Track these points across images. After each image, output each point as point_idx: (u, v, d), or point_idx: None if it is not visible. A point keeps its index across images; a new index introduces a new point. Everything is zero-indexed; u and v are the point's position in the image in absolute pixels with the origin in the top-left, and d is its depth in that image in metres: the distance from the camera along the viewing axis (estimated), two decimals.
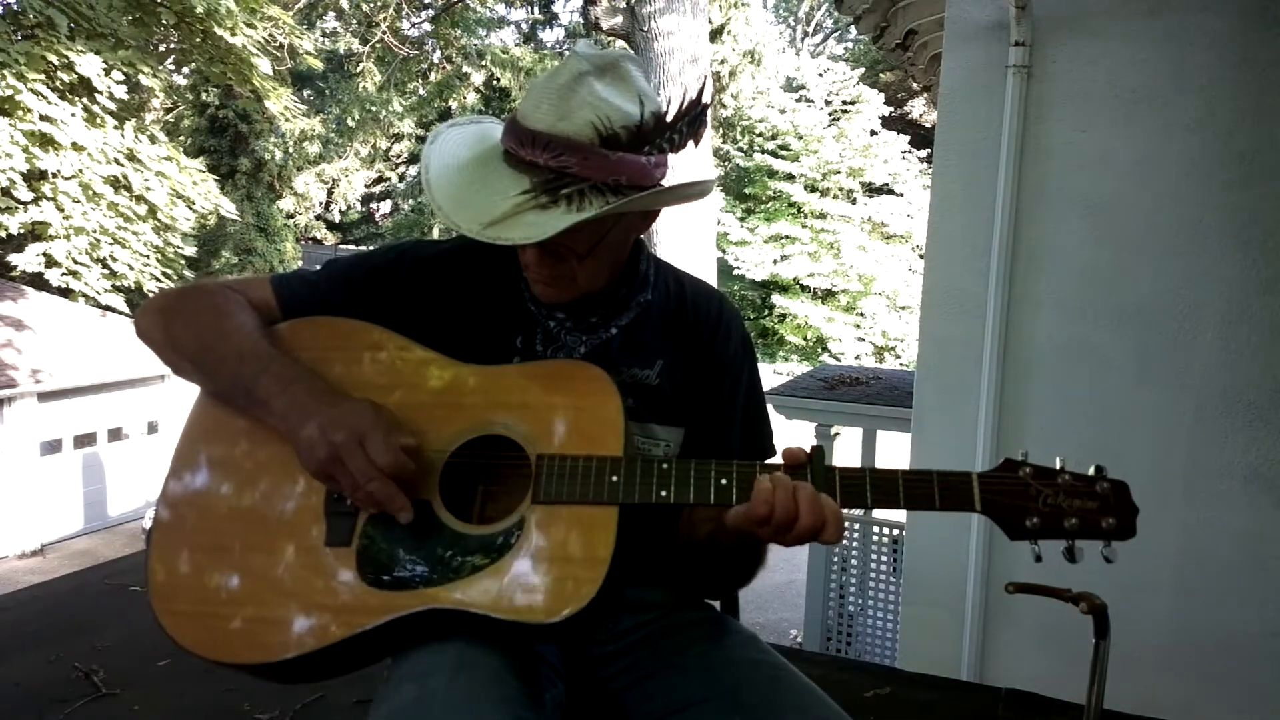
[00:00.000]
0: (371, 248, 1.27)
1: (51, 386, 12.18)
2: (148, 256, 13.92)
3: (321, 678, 1.04)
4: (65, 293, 13.88)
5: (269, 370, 1.04)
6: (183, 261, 15.43)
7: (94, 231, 12.93)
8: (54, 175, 12.15)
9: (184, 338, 1.11)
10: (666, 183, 1.05)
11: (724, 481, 0.97)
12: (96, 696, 2.06)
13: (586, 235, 1.02)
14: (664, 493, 0.97)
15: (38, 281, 13.77)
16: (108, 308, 13.93)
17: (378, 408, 1.02)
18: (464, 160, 1.05)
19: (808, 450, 0.96)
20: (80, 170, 12.25)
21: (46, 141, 11.64)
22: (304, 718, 2.01)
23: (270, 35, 13.80)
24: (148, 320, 1.14)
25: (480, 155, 1.05)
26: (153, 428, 13.97)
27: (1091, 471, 0.94)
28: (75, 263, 13.05)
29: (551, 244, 0.98)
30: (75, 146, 11.97)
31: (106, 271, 13.54)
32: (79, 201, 12.51)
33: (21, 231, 12.35)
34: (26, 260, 13.13)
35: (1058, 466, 0.95)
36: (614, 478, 0.98)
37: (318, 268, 1.22)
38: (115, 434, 13.50)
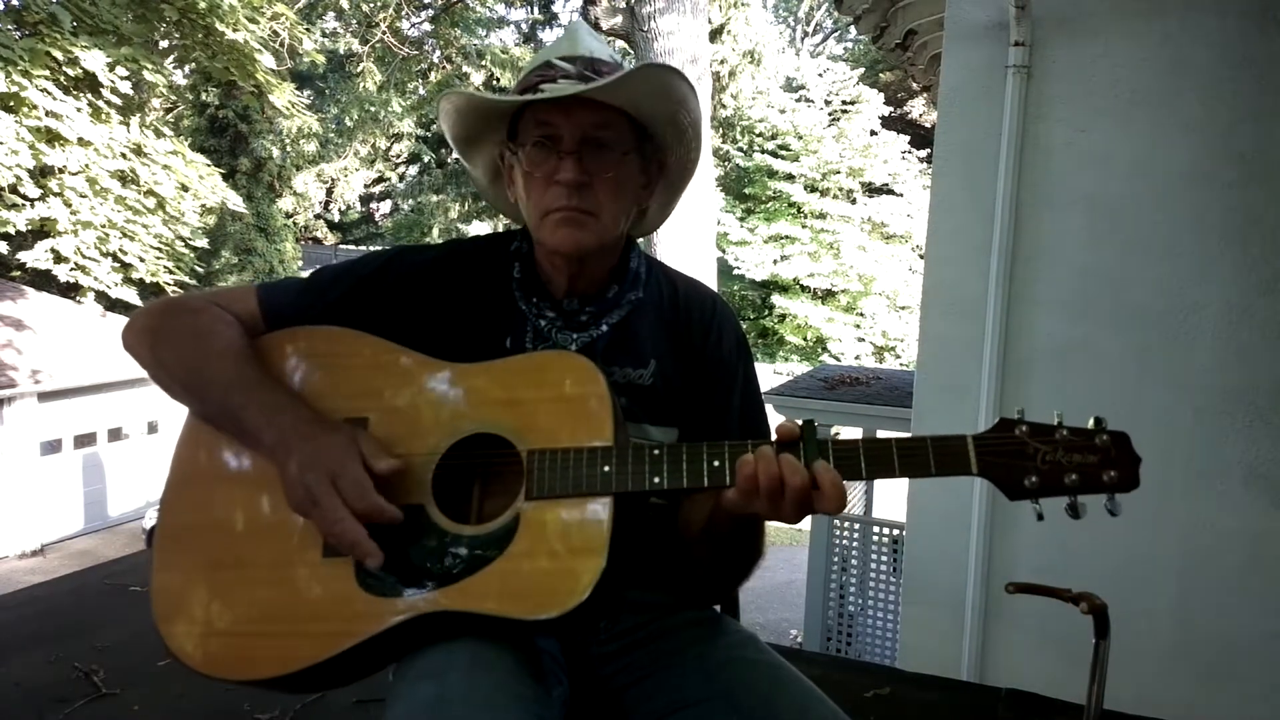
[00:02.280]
0: (366, 249, 1.27)
1: (51, 386, 12.19)
2: (160, 250, 13.90)
3: (327, 688, 1.04)
4: (74, 288, 13.84)
5: (254, 400, 1.03)
6: (193, 255, 15.41)
7: (102, 226, 12.91)
8: (60, 171, 12.12)
9: (170, 360, 1.11)
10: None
11: (716, 463, 0.95)
12: (96, 696, 2.06)
13: (624, 132, 1.10)
14: (657, 479, 0.96)
15: (46, 278, 13.73)
16: (119, 300, 13.90)
17: (354, 440, 1.00)
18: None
19: (799, 425, 0.95)
20: (87, 165, 12.22)
21: (53, 137, 11.62)
22: (304, 718, 2.01)
23: (274, 32, 13.79)
24: (134, 338, 1.13)
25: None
26: (153, 428, 13.98)
27: (1090, 424, 0.91)
28: (84, 257, 13.02)
29: (597, 130, 1.07)
30: (81, 142, 11.92)
31: (117, 265, 13.51)
32: (86, 196, 12.48)
33: (29, 229, 12.32)
34: (35, 257, 13.11)
35: (1055, 422, 0.92)
36: (605, 467, 0.97)
37: (306, 274, 1.22)
38: (115, 434, 13.51)
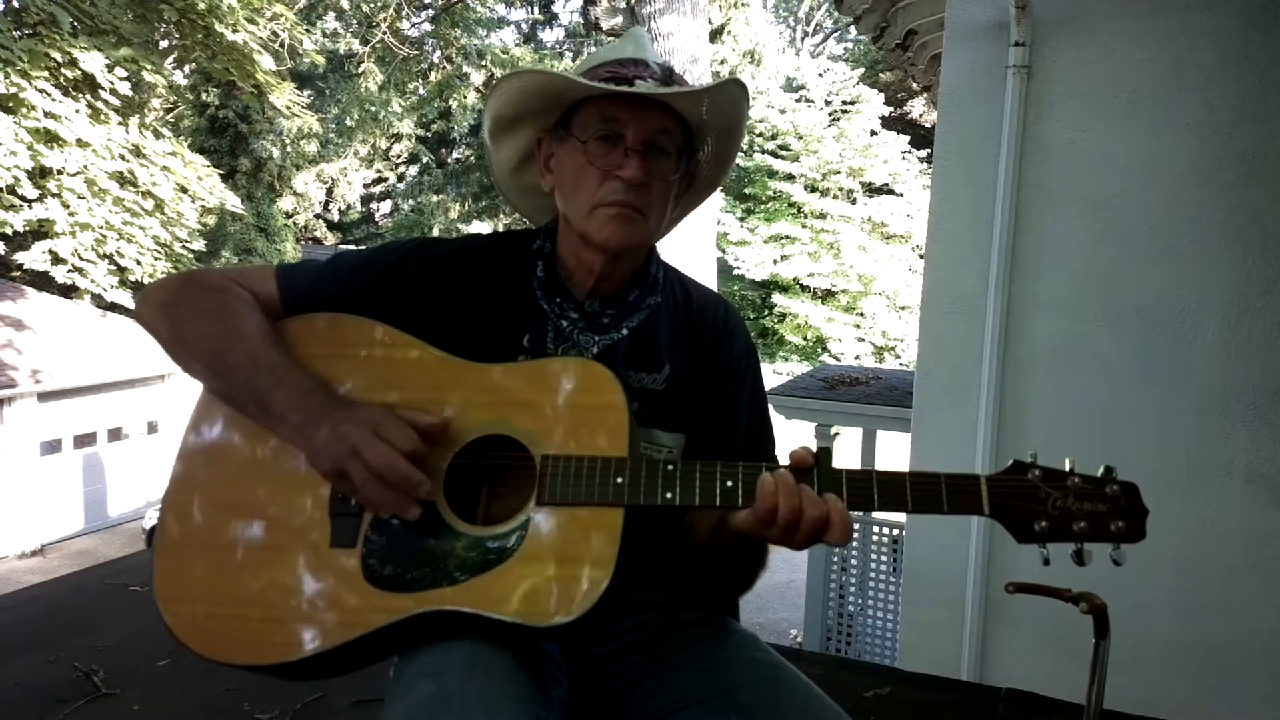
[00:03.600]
0: (379, 244, 1.27)
1: (51, 386, 12.18)
2: (159, 252, 13.89)
3: (326, 676, 1.04)
4: (71, 290, 13.84)
5: (284, 383, 1.03)
6: (191, 256, 15.40)
7: (100, 227, 12.91)
8: (59, 172, 12.13)
9: (192, 338, 1.10)
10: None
11: (729, 483, 0.96)
12: (96, 696, 2.06)
13: (679, 142, 1.12)
14: (669, 494, 0.97)
15: (43, 279, 13.73)
16: (114, 304, 13.90)
17: (389, 407, 1.03)
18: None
19: (814, 452, 0.96)
20: (85, 166, 12.22)
21: (51, 138, 11.64)
22: (304, 718, 2.01)
23: (273, 33, 13.78)
24: (151, 313, 1.12)
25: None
26: (153, 428, 13.97)
27: (1100, 473, 0.92)
28: (81, 259, 13.03)
29: (659, 135, 1.09)
30: (80, 143, 11.94)
31: (113, 267, 13.50)
32: (84, 198, 12.49)
33: (27, 229, 12.32)
34: (32, 258, 13.11)
35: (1067, 468, 0.93)
36: (619, 479, 0.97)
37: (324, 259, 1.21)
38: (115, 434, 13.50)
